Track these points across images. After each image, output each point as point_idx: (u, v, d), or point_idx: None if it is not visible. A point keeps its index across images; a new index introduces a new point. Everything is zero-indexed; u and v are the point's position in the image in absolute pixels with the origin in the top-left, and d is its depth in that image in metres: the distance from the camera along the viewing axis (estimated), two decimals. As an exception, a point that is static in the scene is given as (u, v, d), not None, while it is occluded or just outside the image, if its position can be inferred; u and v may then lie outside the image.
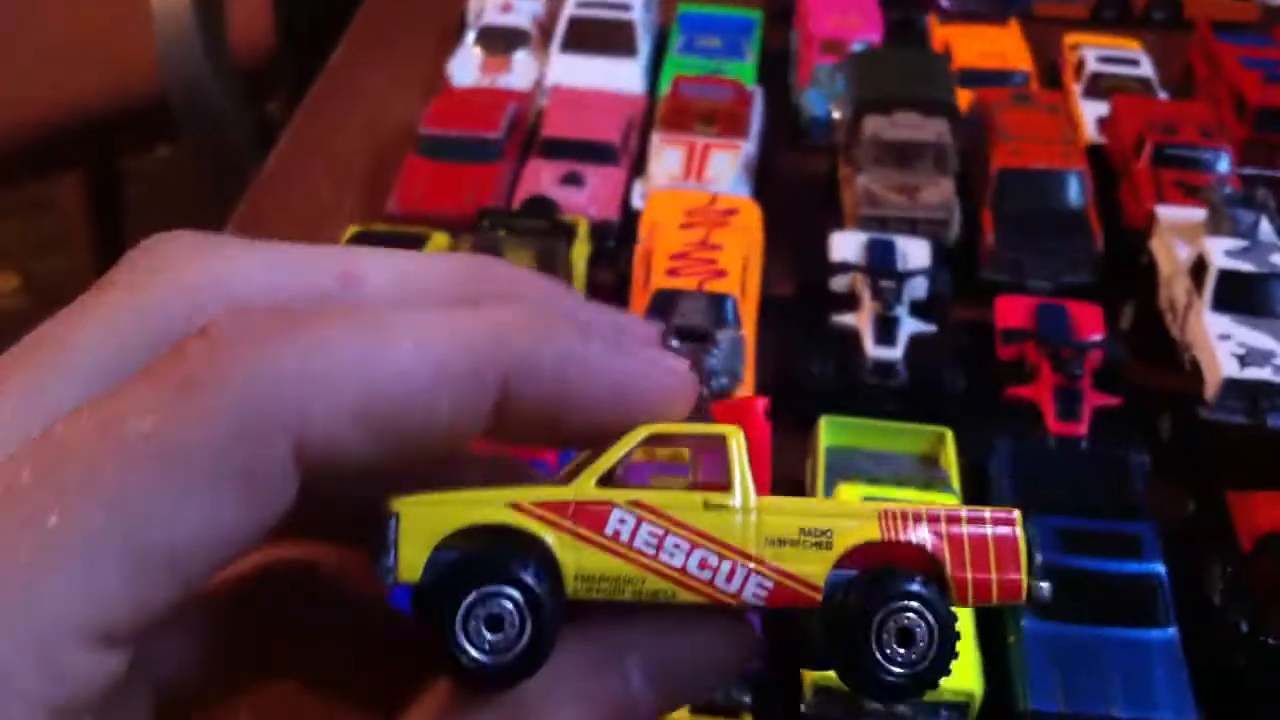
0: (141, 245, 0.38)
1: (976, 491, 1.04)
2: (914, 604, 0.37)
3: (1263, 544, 0.96)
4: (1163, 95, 1.58)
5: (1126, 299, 1.29)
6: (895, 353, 1.15)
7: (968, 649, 0.89)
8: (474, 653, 0.34)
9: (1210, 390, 1.11)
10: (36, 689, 0.28)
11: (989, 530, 0.38)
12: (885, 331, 1.16)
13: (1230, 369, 1.10)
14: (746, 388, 1.10)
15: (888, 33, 1.67)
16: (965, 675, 0.87)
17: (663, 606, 0.36)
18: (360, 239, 1.20)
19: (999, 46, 1.64)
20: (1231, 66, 1.55)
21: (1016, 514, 0.38)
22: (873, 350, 1.15)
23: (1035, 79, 1.61)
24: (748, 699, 0.87)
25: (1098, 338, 1.16)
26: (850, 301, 1.21)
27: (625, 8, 1.60)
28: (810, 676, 0.86)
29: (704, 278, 1.16)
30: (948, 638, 0.37)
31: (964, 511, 0.38)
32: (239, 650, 0.44)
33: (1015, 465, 1.05)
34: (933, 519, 0.38)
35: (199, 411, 0.30)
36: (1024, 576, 0.37)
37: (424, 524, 0.35)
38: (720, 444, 0.38)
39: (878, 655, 0.37)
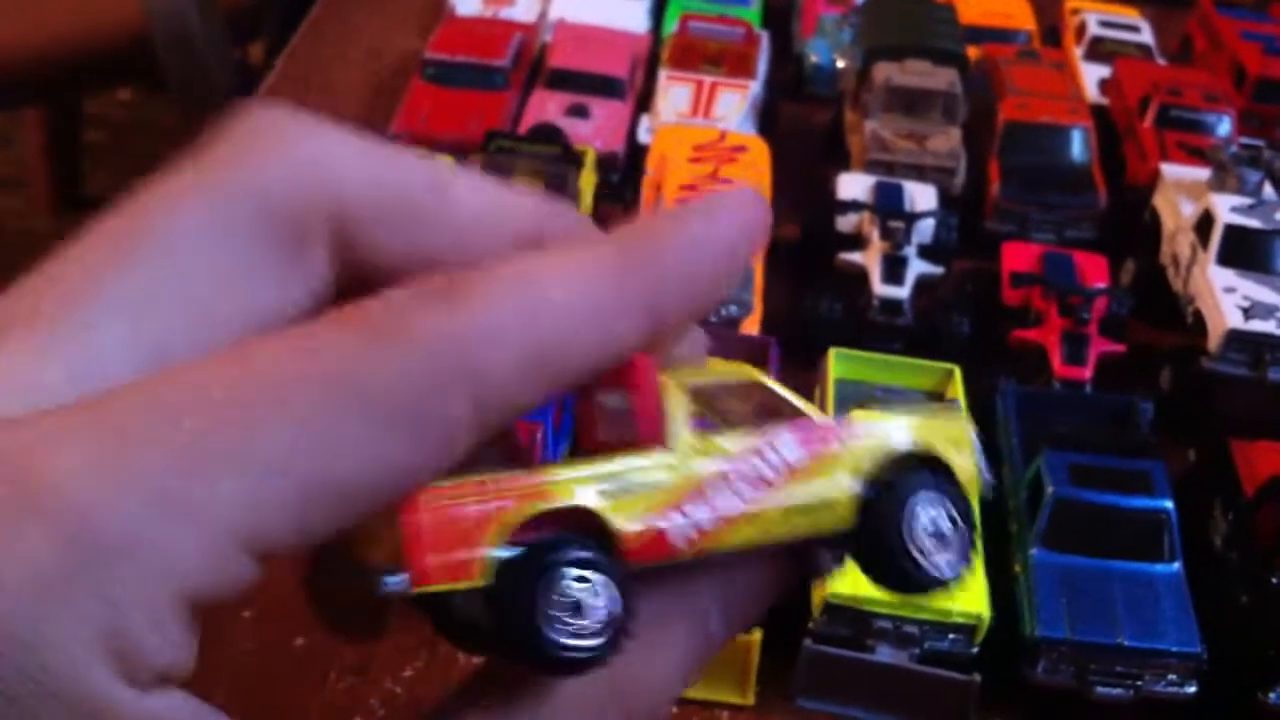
0: (240, 116, 0.38)
1: (984, 431, 1.04)
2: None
3: (1267, 488, 0.97)
4: (1162, 62, 1.58)
5: (1128, 254, 1.29)
6: (902, 291, 1.15)
7: (975, 576, 0.89)
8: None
9: (1213, 342, 1.12)
10: (195, 576, 0.29)
11: None
12: (893, 270, 1.16)
13: (1235, 320, 1.10)
14: (755, 318, 1.09)
15: (893, -13, 1.67)
16: (973, 599, 0.87)
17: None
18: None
19: (1002, 6, 1.64)
20: (1232, 39, 1.56)
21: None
22: (880, 289, 1.15)
23: (1037, 39, 1.61)
24: (758, 614, 0.87)
25: (1103, 286, 1.16)
26: (857, 242, 1.21)
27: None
28: (820, 594, 0.86)
29: (713, 209, 1.15)
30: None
31: None
32: None
33: (1023, 406, 1.05)
34: None
35: (392, 360, 0.31)
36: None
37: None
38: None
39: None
